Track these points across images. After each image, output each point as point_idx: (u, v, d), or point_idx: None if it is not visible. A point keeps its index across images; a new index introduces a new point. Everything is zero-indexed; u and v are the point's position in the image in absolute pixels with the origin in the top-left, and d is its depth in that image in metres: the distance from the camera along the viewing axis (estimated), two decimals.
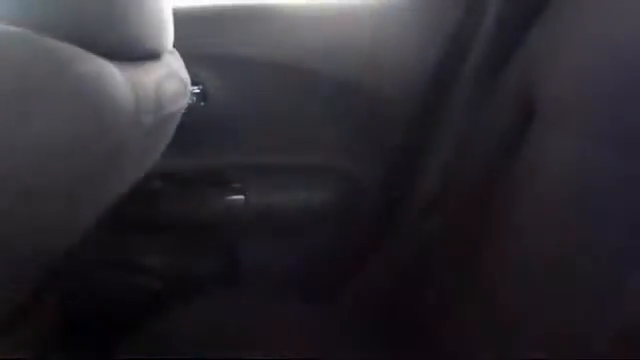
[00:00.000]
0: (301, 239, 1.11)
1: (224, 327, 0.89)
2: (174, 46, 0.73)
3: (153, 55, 0.64)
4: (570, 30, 0.75)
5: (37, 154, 0.44)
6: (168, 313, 0.92)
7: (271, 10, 1.02)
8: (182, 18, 0.73)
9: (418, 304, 0.92)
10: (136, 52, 0.59)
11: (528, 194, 0.70)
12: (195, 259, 1.12)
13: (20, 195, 0.44)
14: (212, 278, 1.11)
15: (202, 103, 1.01)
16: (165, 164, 0.84)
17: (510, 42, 0.87)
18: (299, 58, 1.01)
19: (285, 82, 1.03)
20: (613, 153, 0.56)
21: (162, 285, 1.11)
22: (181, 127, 0.82)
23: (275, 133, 1.07)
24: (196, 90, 0.99)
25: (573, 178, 0.63)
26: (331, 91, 1.03)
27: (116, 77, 0.52)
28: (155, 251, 1.10)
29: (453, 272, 0.83)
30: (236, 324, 0.91)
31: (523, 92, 0.79)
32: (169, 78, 0.67)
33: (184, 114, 0.80)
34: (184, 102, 0.76)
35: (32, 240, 0.49)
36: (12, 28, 0.47)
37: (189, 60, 0.83)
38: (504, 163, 0.78)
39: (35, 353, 0.91)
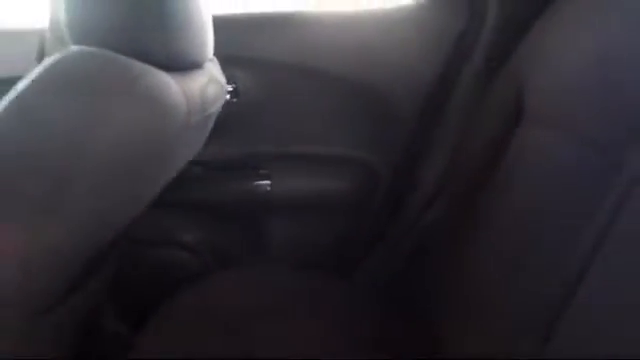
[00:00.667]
0: (320, 220, 1.23)
1: (250, 297, 1.02)
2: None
3: (198, 65, 0.77)
4: (557, 40, 0.85)
5: (117, 146, 0.58)
6: (200, 284, 1.06)
7: (294, 18, 1.14)
8: (219, 25, 0.85)
9: (418, 281, 1.04)
10: (185, 64, 0.72)
11: (514, 185, 0.81)
12: (225, 236, 1.25)
13: (108, 175, 0.58)
14: (240, 252, 1.25)
15: (235, 99, 1.13)
16: (203, 152, 0.98)
17: (505, 48, 0.98)
18: (320, 61, 1.12)
19: (307, 82, 1.14)
20: (588, 153, 0.64)
21: (196, 259, 1.25)
22: (217, 120, 0.95)
23: (298, 126, 1.19)
24: (230, 88, 1.11)
25: (550, 173, 0.73)
26: (348, 90, 1.14)
27: (172, 86, 0.66)
28: (191, 228, 1.25)
29: (449, 254, 0.95)
30: (262, 294, 1.04)
31: (514, 94, 0.89)
32: (210, 83, 0.81)
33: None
34: (222, 102, 0.90)
35: (111, 214, 0.63)
36: (98, 49, 0.60)
37: (224, 62, 0.96)
38: (496, 157, 0.88)
39: (88, 319, 1.06)
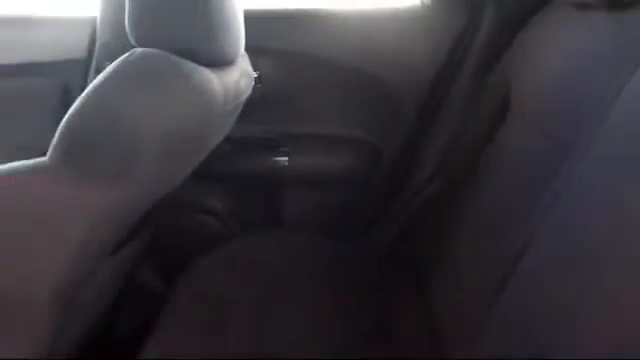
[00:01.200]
0: (330, 192, 1.40)
1: (268, 257, 1.19)
2: None
3: (232, 61, 0.93)
4: (540, 45, 0.99)
5: (172, 127, 0.75)
6: (225, 246, 1.23)
7: (312, 14, 1.28)
8: (246, 19, 0.97)
9: (414, 245, 1.20)
10: (223, 61, 0.88)
11: (495, 171, 0.96)
12: (248, 205, 1.43)
13: (164, 156, 0.75)
14: (259, 219, 1.42)
15: (259, 85, 1.29)
16: (231, 131, 1.14)
17: (498, 47, 1.12)
18: (333, 53, 1.27)
19: (322, 71, 1.29)
20: (554, 148, 0.75)
21: (222, 224, 1.43)
22: (243, 103, 1.10)
23: (313, 110, 1.34)
24: (255, 75, 1.27)
25: (524, 164, 0.86)
26: (358, 79, 1.30)
27: (213, 81, 0.82)
28: (219, 197, 1.42)
29: (438, 223, 1.10)
30: (277, 255, 1.20)
31: (503, 90, 1.04)
32: (242, 77, 0.96)
33: None
34: (250, 91, 1.05)
35: (166, 180, 0.80)
36: (157, 51, 0.77)
37: (250, 52, 1.11)
38: (484, 144, 1.03)
39: (132, 270, 1.23)
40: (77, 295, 0.88)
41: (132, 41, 0.81)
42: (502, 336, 0.69)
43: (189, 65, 0.78)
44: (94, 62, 1.27)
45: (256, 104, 1.29)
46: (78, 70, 1.30)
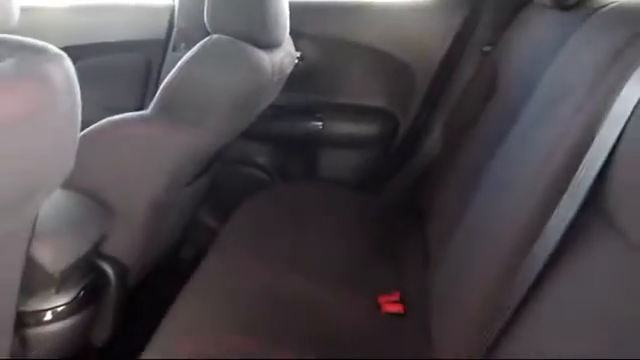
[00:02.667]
0: (356, 152, 1.70)
1: (303, 202, 1.49)
2: None
3: (279, 44, 1.23)
4: (518, 39, 1.23)
5: (237, 92, 1.06)
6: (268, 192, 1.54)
7: (343, 5, 1.58)
8: (290, 9, 1.25)
9: (423, 195, 1.48)
10: (272, 44, 1.19)
11: (480, 136, 1.21)
12: (288, 160, 1.74)
13: (228, 112, 1.07)
14: (298, 172, 1.74)
15: (300, 63, 1.59)
16: (276, 100, 1.45)
17: (493, 37, 1.38)
18: (361, 37, 1.58)
19: (351, 52, 1.60)
20: (534, 130, 0.88)
21: (266, 175, 1.75)
22: (287, 77, 1.41)
23: (343, 84, 1.65)
24: (297, 54, 1.57)
25: (500, 138, 1.08)
26: (380, 59, 1.59)
27: (265, 59, 1.13)
28: (264, 154, 1.74)
29: (441, 177, 1.38)
30: (311, 201, 1.51)
31: (493, 74, 1.29)
32: (286, 56, 1.27)
33: None
34: (292, 67, 1.36)
35: (230, 132, 1.13)
36: (227, 37, 1.08)
37: (294, 36, 1.40)
38: (476, 117, 1.28)
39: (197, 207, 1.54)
40: (163, 214, 1.22)
41: (208, 29, 1.13)
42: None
43: (249, 48, 1.10)
44: (171, 42, 1.60)
45: (297, 78, 1.60)
46: (158, 49, 1.63)
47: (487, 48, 1.44)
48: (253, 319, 0.99)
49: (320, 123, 1.67)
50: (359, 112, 1.68)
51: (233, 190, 1.67)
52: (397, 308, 1.11)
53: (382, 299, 1.12)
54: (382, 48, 1.58)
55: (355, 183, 1.69)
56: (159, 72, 1.62)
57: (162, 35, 1.62)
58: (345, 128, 1.68)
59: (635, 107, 0.60)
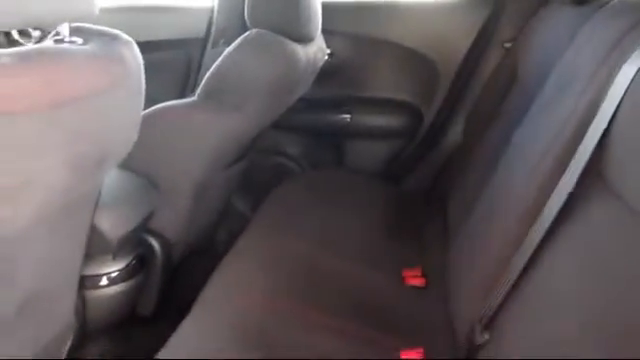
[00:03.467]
0: (381, 143, 1.79)
1: (330, 189, 1.59)
2: None
3: (312, 39, 1.34)
4: (537, 35, 1.32)
5: (273, 79, 1.17)
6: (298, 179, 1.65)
7: (372, 5, 1.68)
8: (322, 9, 1.38)
9: (443, 183, 1.57)
10: (306, 39, 1.29)
11: (502, 123, 1.29)
12: (317, 151, 1.85)
13: (266, 99, 1.18)
14: (326, 162, 1.85)
15: (330, 59, 1.70)
16: (307, 93, 1.55)
17: (513, 34, 1.47)
18: (388, 35, 1.67)
19: (379, 49, 1.70)
20: (545, 113, 0.98)
21: (296, 165, 1.86)
22: (318, 72, 1.52)
23: (370, 79, 1.75)
24: (328, 51, 1.68)
25: (515, 125, 1.16)
26: (407, 56, 1.69)
27: (299, 52, 1.24)
28: (295, 144, 1.85)
29: (462, 166, 1.47)
30: (337, 188, 1.60)
31: (512, 69, 1.37)
32: (317, 51, 1.38)
33: None
34: (323, 61, 1.47)
35: (266, 118, 1.24)
36: (266, 31, 1.19)
37: (325, 33, 1.51)
38: (497, 107, 1.37)
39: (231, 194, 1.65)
40: (204, 194, 1.33)
41: (248, 24, 1.24)
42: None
43: (285, 41, 1.21)
44: (211, 40, 1.72)
45: (327, 73, 1.70)
46: (198, 46, 1.76)
47: (508, 44, 1.52)
48: (291, 284, 1.09)
49: (348, 115, 1.77)
50: (385, 105, 1.78)
51: (265, 178, 1.78)
52: (419, 281, 1.20)
53: (406, 273, 1.21)
54: (408, 45, 1.68)
55: (380, 172, 1.78)
56: (198, 67, 1.74)
57: (202, 33, 1.74)
58: (372, 120, 1.78)
59: (629, 84, 0.68)
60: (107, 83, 0.71)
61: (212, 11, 1.73)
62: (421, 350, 0.97)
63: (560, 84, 0.93)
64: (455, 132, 1.66)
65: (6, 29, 0.64)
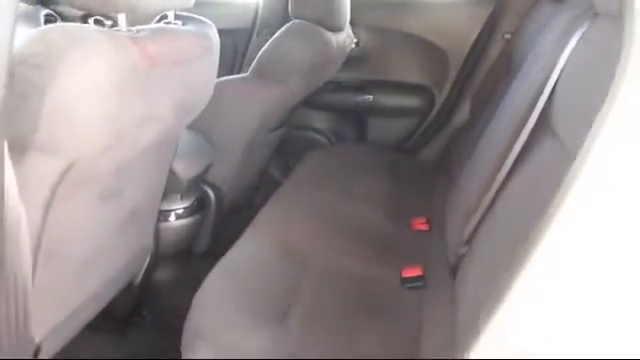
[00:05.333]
0: (400, 120, 2.08)
1: (354, 160, 1.87)
2: None
3: (342, 28, 1.63)
4: (529, 27, 1.58)
5: (310, 59, 1.47)
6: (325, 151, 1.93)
7: (393, 1, 1.97)
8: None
9: (453, 154, 1.84)
10: (337, 28, 1.59)
11: (498, 102, 1.56)
12: (343, 127, 2.14)
13: (304, 75, 1.48)
14: (351, 137, 2.14)
15: (355, 47, 1.99)
16: (335, 76, 1.84)
17: (513, 27, 1.73)
18: (406, 26, 1.96)
19: (398, 39, 1.98)
20: (520, 87, 1.30)
21: (324, 138, 2.15)
22: (345, 58, 1.81)
23: (390, 64, 2.03)
24: (354, 40, 1.97)
25: (512, 104, 1.44)
26: (421, 45, 1.97)
27: (332, 39, 1.54)
28: (323, 120, 2.14)
29: (467, 139, 1.74)
30: (360, 159, 1.89)
31: (510, 56, 1.64)
32: (346, 38, 1.67)
33: None
34: (350, 48, 1.76)
35: (304, 91, 1.54)
36: (305, 22, 1.50)
37: (352, 24, 1.80)
38: (496, 90, 1.64)
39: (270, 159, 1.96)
40: (251, 153, 1.64)
41: (290, 15, 1.54)
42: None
43: (321, 30, 1.51)
44: (256, 30, 2.03)
45: (353, 60, 2.00)
46: (244, 35, 2.06)
47: (508, 36, 1.79)
48: (321, 222, 1.39)
49: (370, 96, 2.06)
50: (402, 88, 2.06)
51: (297, 150, 2.06)
52: (424, 227, 1.48)
53: (414, 221, 1.50)
54: (423, 36, 1.96)
55: (398, 145, 2.07)
56: (244, 53, 2.05)
57: (248, 24, 2.05)
58: (391, 100, 2.07)
59: (568, 58, 0.95)
60: (200, 52, 1.01)
61: (257, 5, 2.03)
62: (420, 267, 1.26)
63: (532, 62, 1.21)
64: (462, 111, 1.94)
65: (126, 12, 0.91)
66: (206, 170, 1.53)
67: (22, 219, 0.76)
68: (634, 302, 0.61)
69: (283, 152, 2.08)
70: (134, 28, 0.89)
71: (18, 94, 0.72)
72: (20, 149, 0.77)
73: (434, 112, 2.03)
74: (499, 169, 1.07)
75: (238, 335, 0.96)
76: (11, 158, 0.69)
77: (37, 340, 0.98)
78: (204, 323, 0.98)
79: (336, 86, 2.04)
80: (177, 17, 1.04)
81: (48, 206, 0.83)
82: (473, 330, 0.69)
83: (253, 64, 1.51)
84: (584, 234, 0.59)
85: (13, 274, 0.78)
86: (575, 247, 0.59)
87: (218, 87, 1.45)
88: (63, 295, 1.02)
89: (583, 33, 0.96)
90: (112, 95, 0.79)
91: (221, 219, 1.66)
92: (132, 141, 0.95)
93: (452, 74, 1.97)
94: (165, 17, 1.01)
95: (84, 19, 1.76)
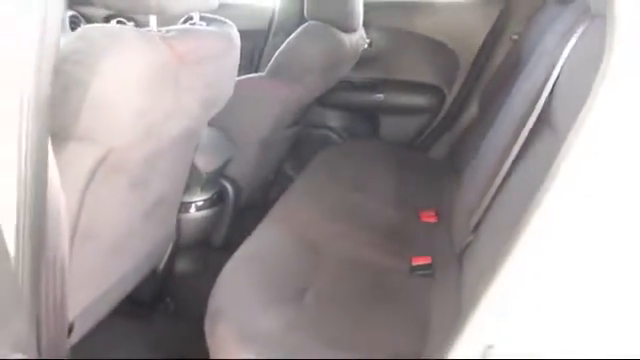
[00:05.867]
0: (410, 119, 2.14)
1: (366, 156, 1.94)
2: None
3: (355, 29, 1.70)
4: (534, 28, 1.64)
5: (324, 58, 1.55)
6: (338, 147, 2.01)
7: (402, 3, 2.03)
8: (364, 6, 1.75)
9: (462, 150, 1.90)
10: (350, 29, 1.66)
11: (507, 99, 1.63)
12: (354, 123, 2.21)
13: (318, 74, 1.55)
14: (363, 134, 2.20)
15: (368, 47, 2.05)
16: (348, 75, 1.91)
17: (520, 28, 1.79)
18: (417, 28, 2.02)
19: (408, 39, 2.05)
20: (525, 85, 1.40)
21: (337, 136, 2.22)
22: (358, 57, 1.88)
23: (401, 64, 2.10)
24: (367, 40, 2.03)
25: (515, 102, 1.51)
26: (431, 45, 2.03)
27: (345, 40, 1.61)
28: (336, 118, 2.21)
29: (475, 136, 1.80)
30: (372, 155, 1.96)
31: (517, 56, 1.70)
32: (359, 39, 1.74)
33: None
34: (362, 48, 1.83)
35: (320, 88, 1.62)
36: (319, 23, 1.57)
37: (365, 25, 1.87)
38: (505, 85, 1.70)
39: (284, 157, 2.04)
40: (267, 150, 1.71)
41: (306, 17, 1.62)
42: None
43: (335, 30, 1.58)
44: (272, 31, 2.11)
45: (366, 60, 2.06)
46: (261, 36, 2.14)
47: (515, 37, 1.84)
48: (334, 214, 1.46)
49: (382, 95, 2.13)
50: (413, 86, 2.13)
51: (311, 148, 2.13)
52: (432, 219, 1.55)
53: (422, 214, 1.56)
54: (433, 37, 2.03)
55: (408, 143, 2.13)
56: (261, 53, 2.13)
57: (265, 26, 2.13)
58: (402, 99, 2.14)
59: (567, 57, 1.01)
60: (223, 51, 1.09)
61: (274, 7, 2.11)
62: (429, 258, 1.32)
63: (535, 62, 1.27)
64: (471, 109, 2.00)
65: (156, 14, 0.99)
66: (225, 165, 1.61)
67: (62, 203, 0.84)
68: (624, 283, 0.67)
69: (298, 150, 2.15)
70: (164, 29, 0.97)
71: (61, 88, 0.80)
72: (61, 139, 0.85)
73: (444, 110, 2.09)
74: (502, 163, 1.13)
75: (256, 313, 1.03)
76: (53, 147, 0.77)
77: (70, 319, 1.06)
78: (225, 302, 1.06)
79: (349, 85, 2.11)
80: (201, 18, 1.11)
81: (85, 191, 0.91)
82: (473, 312, 0.75)
83: (270, 63, 1.59)
84: (571, 215, 0.65)
85: (53, 254, 0.85)
86: (562, 227, 0.66)
87: (237, 86, 1.51)
88: (94, 276, 1.10)
89: (582, 33, 1.02)
90: (145, 90, 0.87)
91: (238, 213, 1.73)
92: (160, 133, 1.03)
93: (461, 74, 2.03)
94: (190, 18, 1.09)
95: (107, 20, 1.87)
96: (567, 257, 0.67)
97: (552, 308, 0.70)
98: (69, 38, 0.82)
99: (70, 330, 1.07)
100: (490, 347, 0.68)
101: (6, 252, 0.65)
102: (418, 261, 1.32)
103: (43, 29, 0.63)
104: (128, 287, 1.28)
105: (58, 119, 0.83)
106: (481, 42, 1.96)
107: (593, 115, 0.60)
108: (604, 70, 0.61)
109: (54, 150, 0.77)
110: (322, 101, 2.04)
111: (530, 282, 0.71)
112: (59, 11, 0.66)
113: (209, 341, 1.03)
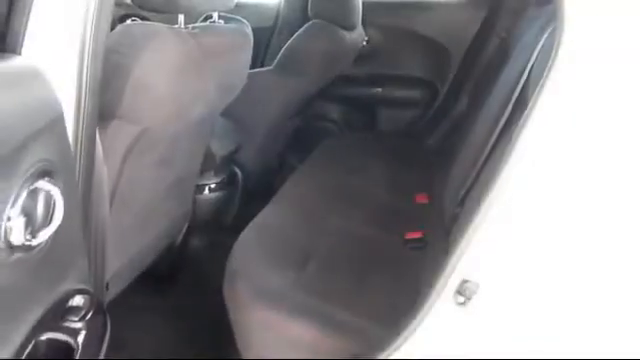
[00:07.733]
0: (405, 111, 2.29)
1: (365, 146, 2.09)
2: None
3: (355, 27, 1.85)
4: (520, 26, 1.79)
5: (326, 53, 1.70)
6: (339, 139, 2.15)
7: (401, 3, 2.19)
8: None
9: (452, 139, 2.05)
10: (350, 27, 1.81)
11: (491, 96, 1.78)
12: (353, 115, 2.36)
13: (322, 67, 1.71)
14: (362, 125, 2.36)
15: (366, 44, 2.20)
16: (346, 70, 2.06)
17: (508, 26, 1.94)
18: (412, 25, 2.18)
19: (404, 37, 2.20)
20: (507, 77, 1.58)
21: (337, 128, 2.37)
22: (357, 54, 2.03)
23: (397, 60, 2.25)
24: (365, 38, 2.18)
25: (498, 90, 1.67)
26: (425, 43, 2.19)
27: (346, 36, 1.76)
28: (336, 111, 2.36)
29: (464, 126, 1.95)
30: (371, 144, 2.11)
31: (506, 50, 1.85)
32: (358, 36, 1.89)
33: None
34: (361, 45, 1.98)
35: (322, 83, 1.77)
36: (322, 21, 1.72)
37: (363, 23, 2.02)
38: (495, 76, 1.85)
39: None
40: (274, 139, 1.86)
41: (310, 16, 1.77)
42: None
43: (336, 28, 1.74)
44: (277, 28, 2.26)
45: (364, 56, 2.21)
46: (266, 33, 2.29)
47: (503, 34, 1.99)
48: (333, 198, 1.61)
49: (379, 89, 2.29)
50: (409, 81, 2.29)
51: (313, 139, 2.28)
52: (424, 200, 1.70)
53: (415, 195, 1.71)
54: (427, 34, 2.19)
55: (404, 133, 2.29)
56: (266, 50, 2.28)
57: (270, 24, 2.28)
58: (398, 93, 2.30)
59: (540, 48, 1.17)
60: (239, 45, 1.24)
61: (279, 6, 2.26)
62: (421, 232, 1.48)
63: (516, 56, 1.43)
64: (462, 102, 2.14)
65: (183, 12, 1.14)
66: (236, 150, 1.76)
67: (104, 174, 0.99)
68: (586, 239, 0.82)
69: (301, 141, 2.30)
70: (190, 26, 1.12)
71: (108, 74, 0.95)
72: (106, 118, 1.00)
73: (437, 103, 2.25)
74: (486, 144, 1.28)
75: (268, 274, 1.19)
76: (98, 125, 0.91)
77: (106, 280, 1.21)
78: (241, 265, 1.21)
79: (348, 80, 2.26)
80: (220, 17, 1.26)
81: (123, 164, 1.06)
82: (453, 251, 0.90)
83: (278, 58, 1.74)
84: (536, 174, 0.81)
85: (95, 219, 1.00)
86: (531, 188, 0.81)
87: (248, 79, 1.66)
88: (125, 242, 1.25)
89: (553, 29, 1.17)
90: (177, 77, 1.02)
91: (246, 196, 1.88)
92: (187, 115, 1.18)
93: (453, 69, 2.19)
94: (210, 17, 1.24)
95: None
96: (537, 208, 0.82)
97: (522, 249, 0.85)
98: (114, 33, 0.97)
99: (106, 289, 1.21)
100: (465, 282, 0.83)
101: (78, 204, 0.79)
102: (411, 235, 1.48)
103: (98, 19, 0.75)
104: (151, 256, 1.43)
105: (103, 101, 0.97)
106: (471, 40, 2.11)
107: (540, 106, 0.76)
108: (552, 58, 0.76)
109: (99, 128, 0.92)
110: (323, 95, 2.19)
111: (504, 228, 0.86)
112: (108, 9, 0.81)
113: (227, 300, 1.18)
